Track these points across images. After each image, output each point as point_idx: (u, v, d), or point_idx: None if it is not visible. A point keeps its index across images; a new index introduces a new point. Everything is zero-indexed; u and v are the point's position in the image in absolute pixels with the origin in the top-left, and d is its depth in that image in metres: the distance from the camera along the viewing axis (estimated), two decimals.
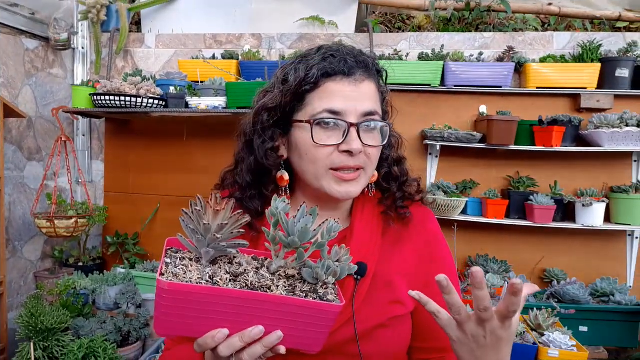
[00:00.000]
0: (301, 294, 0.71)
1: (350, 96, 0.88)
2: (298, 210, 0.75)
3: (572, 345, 1.76)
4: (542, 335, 1.83)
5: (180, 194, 2.71)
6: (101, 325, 2.02)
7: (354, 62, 0.90)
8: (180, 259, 0.73)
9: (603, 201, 2.27)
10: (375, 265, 0.91)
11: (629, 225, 2.28)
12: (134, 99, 2.28)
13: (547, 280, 2.40)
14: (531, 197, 2.30)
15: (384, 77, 0.98)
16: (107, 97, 2.28)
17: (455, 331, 0.72)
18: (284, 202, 0.75)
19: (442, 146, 2.39)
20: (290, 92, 0.90)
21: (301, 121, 0.90)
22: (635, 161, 2.40)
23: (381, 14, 2.82)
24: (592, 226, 2.27)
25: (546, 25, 2.70)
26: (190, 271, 0.70)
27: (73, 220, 2.38)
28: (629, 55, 2.33)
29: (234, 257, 0.76)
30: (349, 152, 0.87)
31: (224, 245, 0.72)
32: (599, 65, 2.34)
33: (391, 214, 0.97)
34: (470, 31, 2.62)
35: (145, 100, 2.29)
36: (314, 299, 0.71)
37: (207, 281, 0.68)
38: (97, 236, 2.83)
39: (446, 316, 0.73)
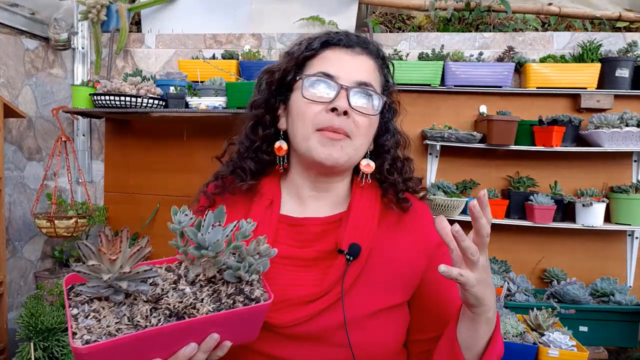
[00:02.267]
0: (228, 300, 0.68)
1: (346, 64, 0.92)
2: (205, 215, 0.72)
3: (572, 345, 1.76)
4: (542, 335, 1.83)
5: (180, 194, 2.71)
6: None
7: (355, 38, 0.95)
8: (88, 304, 0.65)
9: (603, 201, 2.27)
10: (370, 248, 0.89)
11: (629, 225, 2.28)
12: (134, 99, 2.27)
13: (547, 280, 2.40)
14: (531, 197, 2.30)
15: (391, 70, 1.01)
16: (107, 97, 2.28)
17: (473, 274, 0.72)
18: (187, 214, 0.72)
19: (442, 146, 2.39)
20: (293, 59, 0.95)
21: (296, 80, 0.94)
22: (635, 161, 2.40)
23: (381, 14, 2.82)
24: (592, 226, 2.26)
25: (546, 25, 2.70)
26: (104, 317, 0.62)
27: (73, 220, 2.38)
28: (629, 55, 2.32)
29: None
30: (335, 110, 0.88)
31: (139, 288, 0.66)
32: (599, 65, 2.34)
33: (392, 198, 0.96)
34: (470, 31, 2.62)
35: (145, 100, 2.29)
36: (242, 301, 0.68)
37: (127, 324, 0.61)
38: (97, 236, 2.83)
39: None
